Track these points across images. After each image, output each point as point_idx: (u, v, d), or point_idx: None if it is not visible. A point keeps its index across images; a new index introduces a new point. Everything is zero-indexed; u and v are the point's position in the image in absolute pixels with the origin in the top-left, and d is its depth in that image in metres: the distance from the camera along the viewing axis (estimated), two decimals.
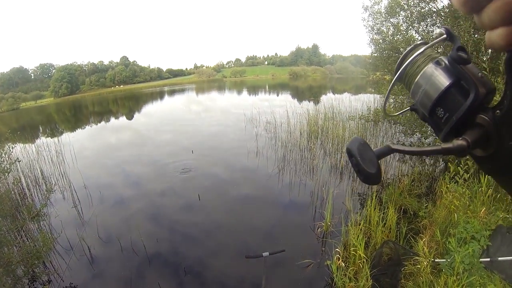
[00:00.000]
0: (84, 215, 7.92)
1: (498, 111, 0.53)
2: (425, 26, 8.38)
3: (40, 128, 29.97)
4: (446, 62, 0.60)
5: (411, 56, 0.64)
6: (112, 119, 31.37)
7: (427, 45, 0.63)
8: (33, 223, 7.25)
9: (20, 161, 8.00)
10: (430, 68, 0.62)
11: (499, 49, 0.43)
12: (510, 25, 0.41)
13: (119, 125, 26.65)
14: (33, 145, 15.49)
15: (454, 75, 0.59)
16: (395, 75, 0.66)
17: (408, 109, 0.74)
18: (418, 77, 0.64)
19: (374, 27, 9.58)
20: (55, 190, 9.50)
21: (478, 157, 0.58)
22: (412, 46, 0.66)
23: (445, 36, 0.59)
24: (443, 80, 0.60)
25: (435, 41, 0.60)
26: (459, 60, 0.56)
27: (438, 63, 0.62)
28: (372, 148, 0.57)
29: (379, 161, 0.55)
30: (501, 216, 4.50)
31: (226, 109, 27.58)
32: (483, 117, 0.55)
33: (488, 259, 3.73)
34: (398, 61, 0.67)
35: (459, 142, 0.54)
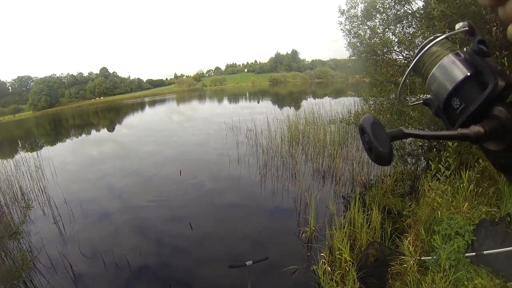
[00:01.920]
0: (66, 231, 7.65)
1: None
2: (401, 28, 8.47)
3: (19, 143, 29.29)
4: (465, 54, 0.60)
5: (429, 45, 0.63)
6: (94, 132, 30.91)
7: (446, 35, 0.62)
8: (12, 242, 7.00)
9: None
10: (449, 58, 0.62)
11: None
12: None
13: (100, 137, 26.26)
14: (11, 160, 15.11)
15: (474, 66, 0.58)
16: (412, 63, 0.66)
17: (421, 102, 0.74)
18: (436, 67, 0.63)
19: (351, 31, 9.62)
20: (33, 207, 9.25)
21: (491, 151, 0.57)
22: (432, 37, 0.64)
23: (467, 28, 0.58)
24: (462, 70, 0.59)
25: (455, 31, 0.60)
26: (480, 52, 0.56)
27: (457, 55, 0.61)
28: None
29: (391, 144, 0.53)
30: (483, 210, 4.53)
31: (207, 118, 27.47)
32: (500, 109, 0.54)
33: (474, 253, 3.73)
34: (417, 51, 0.66)
35: (476, 128, 0.53)
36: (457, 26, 0.59)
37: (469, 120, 0.56)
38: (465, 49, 0.62)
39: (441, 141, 8.39)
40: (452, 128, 0.60)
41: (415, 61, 0.65)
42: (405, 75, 0.66)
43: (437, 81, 0.63)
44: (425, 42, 0.64)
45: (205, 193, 9.45)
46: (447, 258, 3.60)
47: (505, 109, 0.53)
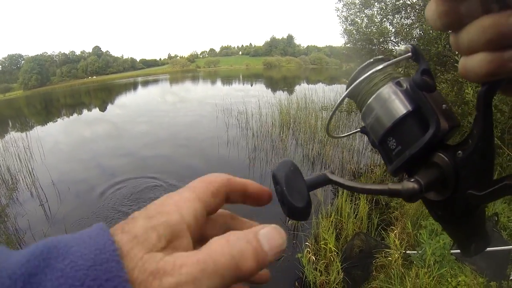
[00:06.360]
0: (51, 213, 7.55)
1: (460, 151, 0.43)
2: (399, 18, 8.41)
3: (10, 123, 28.80)
4: (408, 85, 0.49)
5: (368, 71, 0.51)
6: (85, 112, 30.33)
7: (388, 62, 0.51)
8: None
9: None
10: (388, 89, 0.51)
11: (475, 79, 0.35)
12: (494, 51, 0.32)
13: (92, 117, 25.76)
14: (0, 141, 14.88)
15: (415, 102, 0.48)
16: (346, 91, 0.55)
17: (358, 131, 0.62)
18: (372, 97, 0.52)
19: (348, 18, 9.53)
20: (17, 189, 9.13)
21: (429, 200, 0.49)
22: (372, 60, 0.54)
23: (410, 54, 0.47)
24: (400, 106, 0.49)
25: (398, 58, 0.48)
26: (422, 86, 0.45)
27: (398, 84, 0.50)
28: (306, 175, 0.46)
29: (313, 192, 0.47)
30: None
31: (200, 100, 27.18)
32: (441, 156, 0.45)
33: (459, 250, 3.71)
34: (353, 74, 0.55)
35: (410, 185, 0.44)
36: (399, 50, 0.49)
37: (405, 166, 0.48)
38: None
39: None
40: (389, 165, 0.52)
41: (352, 88, 0.54)
42: (338, 102, 0.57)
43: (373, 114, 0.53)
44: (365, 64, 0.54)
45: (195, 175, 9.33)
46: (432, 253, 3.60)
47: (447, 156, 0.45)
